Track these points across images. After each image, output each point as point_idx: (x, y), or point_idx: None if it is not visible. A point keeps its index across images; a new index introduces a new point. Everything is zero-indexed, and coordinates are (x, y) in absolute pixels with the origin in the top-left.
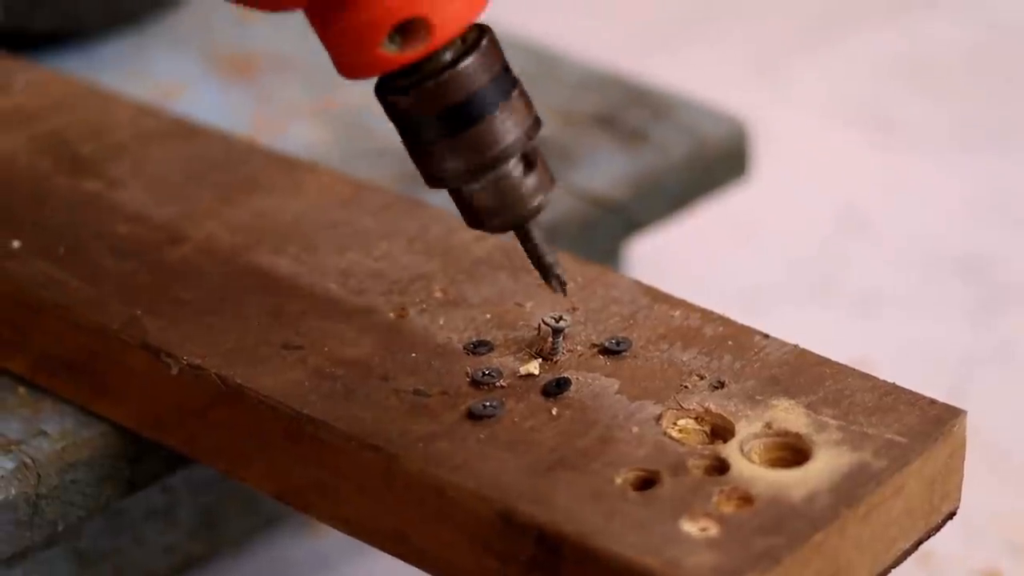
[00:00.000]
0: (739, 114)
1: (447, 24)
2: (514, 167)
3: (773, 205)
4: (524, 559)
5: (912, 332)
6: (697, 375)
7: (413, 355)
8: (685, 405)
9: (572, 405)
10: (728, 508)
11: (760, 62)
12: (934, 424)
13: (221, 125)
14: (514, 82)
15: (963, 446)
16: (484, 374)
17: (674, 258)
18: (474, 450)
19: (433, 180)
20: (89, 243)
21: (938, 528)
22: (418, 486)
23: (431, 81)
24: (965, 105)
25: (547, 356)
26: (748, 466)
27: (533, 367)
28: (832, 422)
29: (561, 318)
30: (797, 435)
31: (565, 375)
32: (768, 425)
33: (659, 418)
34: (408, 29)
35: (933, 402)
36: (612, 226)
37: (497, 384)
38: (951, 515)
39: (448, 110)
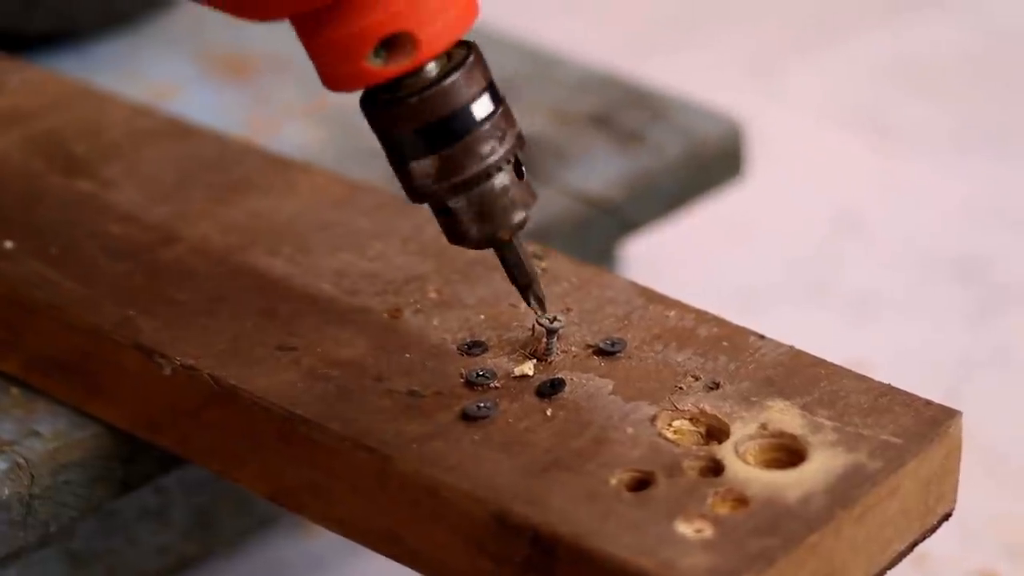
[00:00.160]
0: (735, 115)
1: (433, 40)
2: (497, 184)
3: (769, 206)
4: (518, 560)
5: (909, 334)
6: (692, 376)
7: (407, 356)
8: (680, 406)
9: (566, 406)
10: (723, 509)
11: (756, 64)
12: (930, 425)
13: (215, 126)
14: (499, 99)
15: (959, 447)
16: (478, 375)
17: (669, 259)
18: (468, 451)
19: (415, 194)
20: (82, 243)
21: (934, 529)
22: (412, 487)
23: (415, 96)
24: (961, 107)
25: (541, 357)
26: (743, 467)
27: (527, 368)
28: (827, 423)
29: (555, 319)
30: (792, 436)
31: (559, 376)
32: (763, 426)
33: (654, 419)
34: (394, 44)
35: (928, 403)
36: (607, 226)
37: (491, 385)
38: (947, 516)
39: (431, 125)
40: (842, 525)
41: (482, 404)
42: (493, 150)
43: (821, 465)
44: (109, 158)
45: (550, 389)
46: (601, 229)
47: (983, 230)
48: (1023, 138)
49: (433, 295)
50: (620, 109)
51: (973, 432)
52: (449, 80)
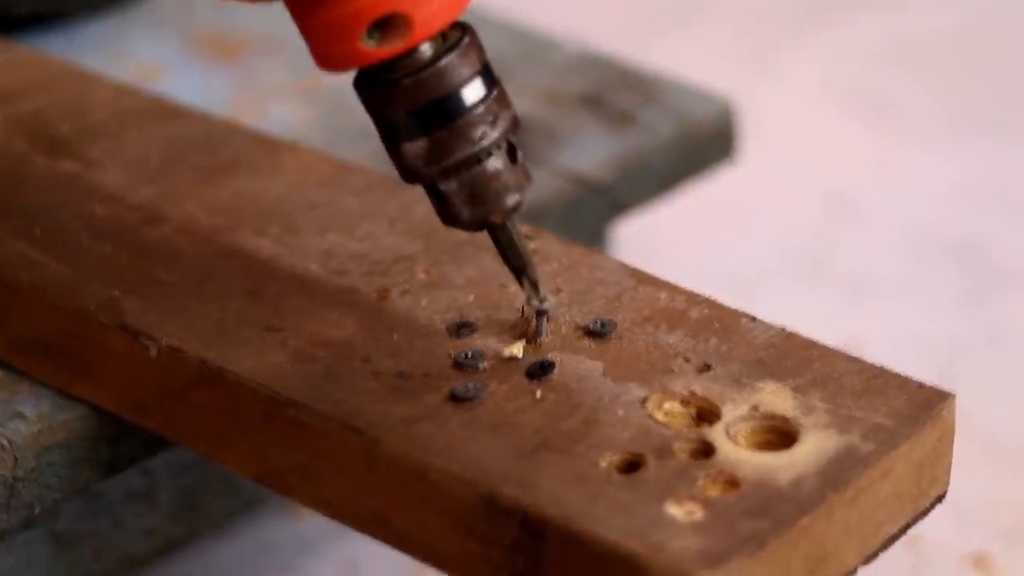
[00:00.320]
0: (728, 96)
1: (427, 21)
2: (490, 166)
3: (762, 188)
4: (507, 542)
5: (903, 317)
6: (683, 358)
7: (395, 337)
8: (671, 388)
9: (556, 388)
10: (714, 491)
11: (751, 46)
12: (922, 407)
13: (202, 106)
14: (493, 82)
15: (952, 430)
16: (467, 356)
17: (661, 240)
18: (457, 433)
19: (408, 175)
20: (67, 224)
21: (926, 512)
22: (400, 469)
23: (409, 78)
24: (957, 89)
25: (531, 338)
26: (734, 449)
27: (517, 349)
28: (819, 405)
29: (545, 299)
30: (784, 418)
31: (549, 357)
32: (755, 408)
33: (644, 401)
34: (387, 24)
35: (921, 386)
36: (598, 207)
37: (480, 366)
38: (939, 499)
39: (426, 107)
40: (834, 508)
41: (471, 386)
42: (485, 134)
43: (813, 447)
44: (94, 138)
45: (540, 371)
46: (592, 210)
47: (978, 212)
48: (1019, 120)
49: (422, 276)
50: (612, 90)
51: (967, 414)
52: (443, 62)
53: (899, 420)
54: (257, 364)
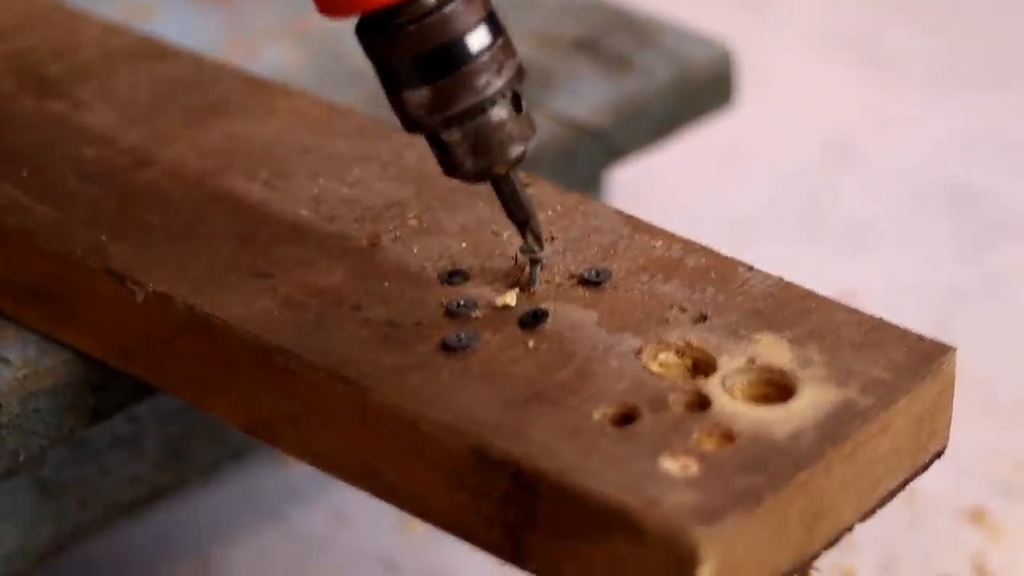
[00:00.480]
0: (726, 41)
1: None
2: (494, 116)
3: (760, 135)
4: (498, 495)
5: (900, 265)
6: (679, 308)
7: (386, 284)
8: (666, 339)
9: (549, 337)
10: (709, 445)
11: None
12: (922, 361)
13: (193, 47)
14: (499, 30)
15: (952, 384)
16: (459, 305)
17: (657, 187)
18: (448, 383)
19: (410, 124)
20: (55, 166)
21: (925, 467)
22: (390, 419)
23: (414, 24)
24: (954, 37)
25: (524, 287)
26: (730, 402)
27: (510, 298)
28: (817, 357)
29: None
30: (781, 371)
31: (542, 306)
32: (751, 360)
33: (639, 352)
34: None
35: (921, 338)
36: (593, 153)
37: (472, 315)
38: (939, 454)
39: (429, 54)
40: (832, 463)
41: (463, 335)
42: (489, 83)
43: (810, 401)
44: (82, 79)
45: (533, 320)
46: (588, 156)
47: (977, 162)
48: (1016, 69)
49: (413, 222)
50: (607, 33)
51: (964, 365)
52: (448, 8)
53: (898, 374)
54: (246, 311)
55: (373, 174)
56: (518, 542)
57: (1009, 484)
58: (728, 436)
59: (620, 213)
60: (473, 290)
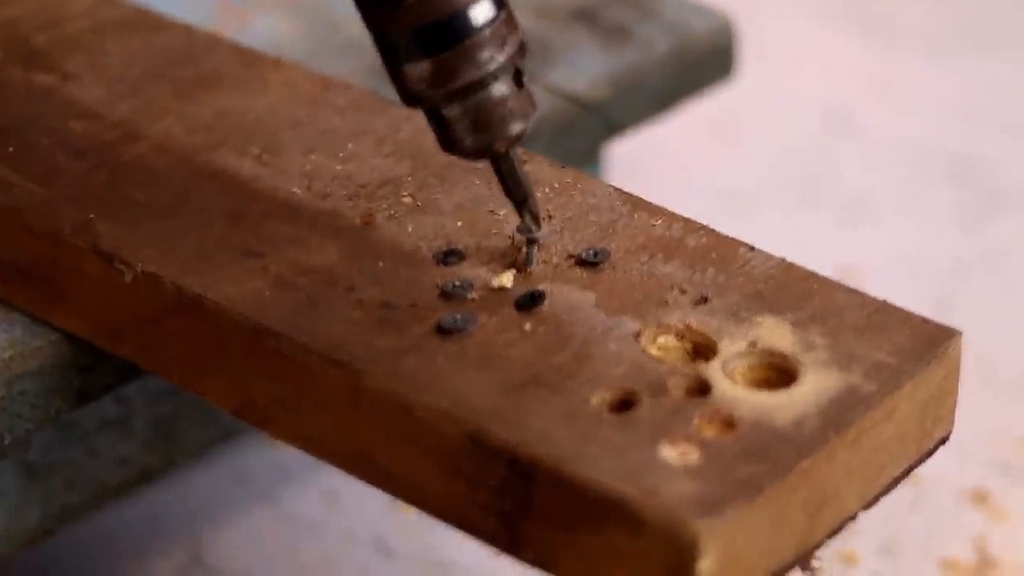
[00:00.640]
0: (726, 12)
1: None
2: (496, 91)
3: (760, 106)
4: (494, 483)
5: (900, 236)
6: (679, 289)
7: (380, 264)
8: (665, 321)
9: (546, 320)
10: (710, 432)
11: None
12: (927, 345)
13: (184, 18)
14: (502, 2)
15: (957, 368)
16: (455, 286)
17: (656, 160)
18: (443, 367)
19: (409, 98)
20: (41, 141)
21: (930, 453)
22: (384, 404)
23: None
24: (957, 6)
25: (521, 267)
26: (731, 387)
27: (506, 279)
28: (820, 341)
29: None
30: (783, 355)
31: (540, 288)
32: (753, 344)
33: (638, 335)
34: None
35: (926, 321)
36: (591, 126)
37: (468, 297)
38: (944, 440)
39: (431, 26)
40: (835, 450)
41: (458, 317)
42: (492, 58)
43: (813, 386)
44: (71, 50)
45: (529, 302)
46: (586, 129)
47: (978, 132)
48: (1018, 38)
49: (408, 200)
50: (606, 4)
51: (964, 342)
52: None
53: (903, 358)
54: (236, 291)
55: (368, 150)
56: (514, 532)
57: (1010, 463)
58: (729, 422)
59: (619, 191)
60: (469, 271)
